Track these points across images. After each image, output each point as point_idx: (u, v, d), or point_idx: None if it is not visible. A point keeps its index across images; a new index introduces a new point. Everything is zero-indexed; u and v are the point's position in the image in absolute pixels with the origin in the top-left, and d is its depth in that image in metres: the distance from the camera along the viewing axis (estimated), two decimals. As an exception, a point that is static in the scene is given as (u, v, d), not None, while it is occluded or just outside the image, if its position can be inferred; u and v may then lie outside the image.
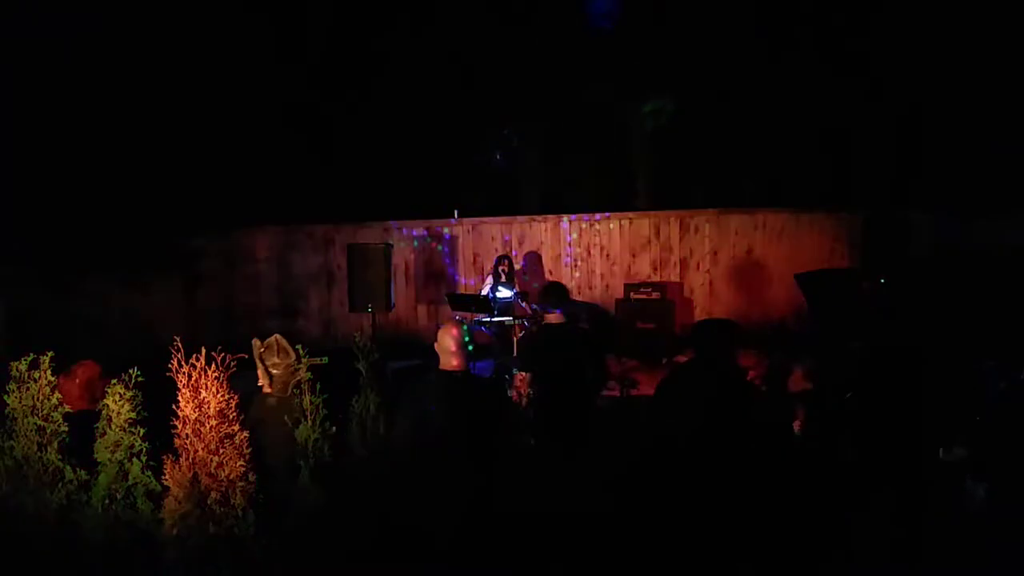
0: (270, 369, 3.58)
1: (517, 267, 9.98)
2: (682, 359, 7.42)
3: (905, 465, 3.43)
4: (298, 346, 3.57)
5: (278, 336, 3.64)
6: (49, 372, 3.17)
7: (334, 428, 3.02)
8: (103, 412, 3.12)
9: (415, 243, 10.64)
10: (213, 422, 2.94)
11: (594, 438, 4.53)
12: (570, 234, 10.41)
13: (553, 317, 4.88)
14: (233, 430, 2.97)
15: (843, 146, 12.26)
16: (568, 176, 13.54)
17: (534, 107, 12.87)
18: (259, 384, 3.62)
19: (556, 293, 4.98)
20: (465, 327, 3.63)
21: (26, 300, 9.00)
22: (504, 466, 3.19)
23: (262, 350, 3.59)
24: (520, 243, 10.47)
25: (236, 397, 3.03)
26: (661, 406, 3.74)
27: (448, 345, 3.58)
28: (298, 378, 3.54)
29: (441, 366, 3.59)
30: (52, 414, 3.13)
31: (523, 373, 4.82)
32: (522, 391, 4.80)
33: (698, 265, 10.16)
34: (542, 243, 10.46)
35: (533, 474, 3.05)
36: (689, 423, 3.52)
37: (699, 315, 10.06)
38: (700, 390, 3.62)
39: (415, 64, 12.28)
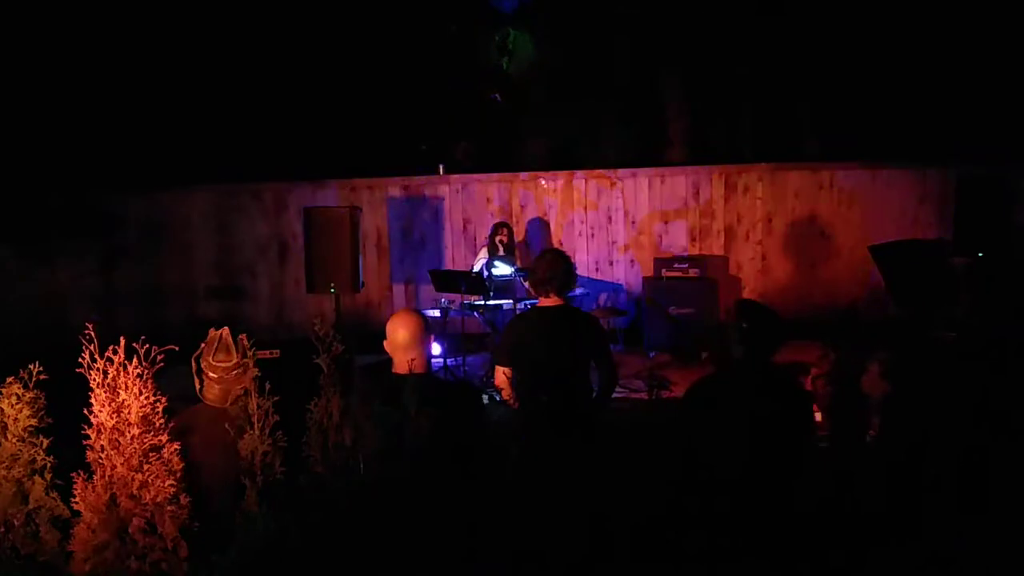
0: (207, 372, 3.54)
1: (519, 237, 9.97)
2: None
3: (1005, 485, 3.43)
4: (242, 335, 3.55)
5: (226, 331, 3.61)
6: (-74, 368, 3.17)
7: (287, 439, 3.02)
8: (-4, 418, 3.12)
9: (390, 206, 10.61)
10: (135, 431, 2.92)
11: (605, 454, 4.51)
12: (586, 195, 10.38)
13: (549, 299, 4.82)
14: (160, 441, 2.96)
15: (931, 84, 12.19)
16: (585, 121, 13.45)
17: (541, 32, 12.78)
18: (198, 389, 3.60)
19: (555, 268, 4.82)
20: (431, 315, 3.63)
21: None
22: (484, 495, 3.20)
23: (202, 347, 3.57)
24: (523, 206, 10.45)
25: (164, 400, 3.02)
26: (695, 426, 3.72)
27: (401, 338, 3.57)
28: (242, 385, 3.52)
29: (395, 368, 3.58)
30: (-71, 421, 3.13)
31: (503, 369, 4.78)
32: (503, 391, 4.76)
33: (747, 234, 10.15)
34: (550, 206, 10.44)
35: (516, 505, 3.05)
36: (737, 451, 3.50)
37: (749, 296, 10.06)
38: (752, 404, 3.59)
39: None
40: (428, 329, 3.67)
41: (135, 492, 2.90)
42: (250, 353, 3.51)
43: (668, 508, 3.31)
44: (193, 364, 3.54)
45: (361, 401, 2.94)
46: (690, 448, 3.69)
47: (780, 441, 3.54)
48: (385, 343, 3.65)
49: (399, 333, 3.60)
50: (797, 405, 3.70)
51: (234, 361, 3.51)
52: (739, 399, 3.67)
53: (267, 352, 3.53)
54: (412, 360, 3.59)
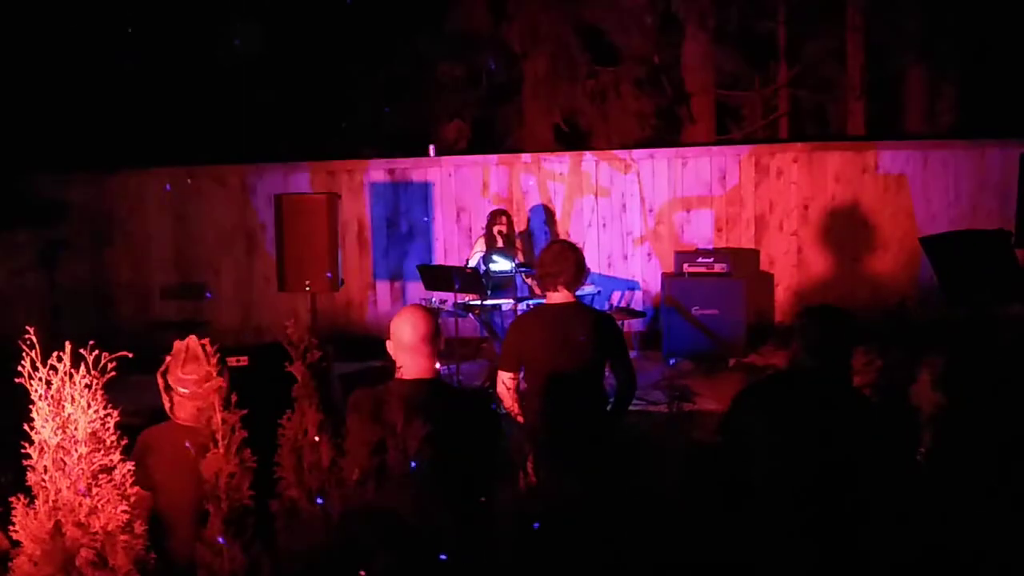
0: (176, 388, 3.53)
1: (520, 227, 9.97)
2: (766, 360, 7.41)
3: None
4: (203, 340, 3.55)
5: (192, 340, 3.60)
6: None
7: (256, 458, 3.02)
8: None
9: (372, 193, 10.61)
10: (83, 450, 2.92)
11: (622, 474, 4.53)
12: (596, 179, 10.38)
13: (558, 295, 4.84)
14: (111, 461, 2.95)
15: (988, 50, 12.19)
16: (595, 94, 13.47)
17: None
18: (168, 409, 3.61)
19: (563, 259, 4.86)
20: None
21: None
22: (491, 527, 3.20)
23: (168, 360, 3.56)
24: (524, 192, 10.45)
25: (116, 414, 3.02)
26: (742, 438, 3.67)
27: (408, 338, 3.56)
28: (211, 399, 3.51)
29: (399, 373, 3.57)
30: None
31: (508, 374, 4.79)
32: (504, 401, 4.78)
33: (781, 224, 10.15)
34: (555, 192, 10.44)
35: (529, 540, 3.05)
36: (799, 467, 3.46)
37: (783, 295, 10.07)
38: (814, 418, 3.54)
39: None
40: (439, 329, 3.66)
41: (83, 519, 2.90)
42: (214, 360, 3.51)
43: (702, 540, 3.31)
44: (160, 381, 3.54)
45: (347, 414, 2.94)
46: (736, 467, 3.64)
47: (853, 465, 3.47)
48: (388, 344, 3.63)
49: (406, 333, 3.58)
50: (875, 424, 3.63)
51: (206, 371, 3.50)
52: (803, 413, 3.57)
53: (233, 359, 3.54)
54: (419, 364, 3.57)
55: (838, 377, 3.62)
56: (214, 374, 3.49)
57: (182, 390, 3.52)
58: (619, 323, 5.08)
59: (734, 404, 3.75)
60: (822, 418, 3.49)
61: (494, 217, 9.00)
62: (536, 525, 3.04)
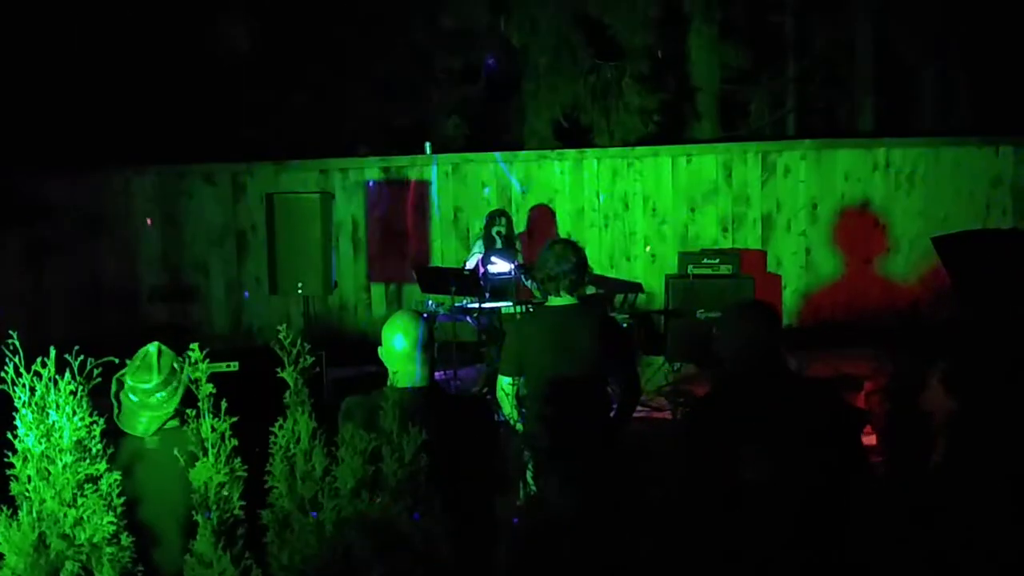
0: (128, 395, 3.49)
1: (520, 228, 9.97)
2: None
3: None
4: (193, 346, 3.54)
5: (152, 347, 3.55)
6: None
7: (247, 467, 3.01)
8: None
9: (367, 192, 10.61)
10: (68, 458, 2.91)
11: (625, 482, 4.53)
12: (598, 177, 10.38)
13: (559, 297, 4.84)
14: (98, 470, 2.95)
15: (1004, 46, 12.20)
16: (597, 90, 13.45)
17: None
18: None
19: (565, 260, 4.85)
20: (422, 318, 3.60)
21: None
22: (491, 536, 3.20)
23: (137, 365, 3.52)
24: (524, 191, 10.44)
25: (102, 422, 3.02)
26: (705, 448, 3.69)
27: (400, 345, 3.55)
28: (165, 412, 3.47)
29: (392, 380, 3.57)
30: None
31: (507, 379, 4.80)
32: (503, 408, 4.79)
33: (789, 224, 10.14)
34: (556, 191, 10.44)
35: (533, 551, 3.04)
36: (756, 483, 3.47)
37: (791, 297, 10.08)
38: (767, 424, 3.56)
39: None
40: (432, 335, 3.64)
41: (68, 531, 2.90)
42: (178, 369, 3.47)
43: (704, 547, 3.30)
44: (113, 384, 3.50)
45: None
46: (701, 481, 3.66)
47: (806, 468, 3.50)
48: (380, 351, 3.63)
49: (398, 339, 3.57)
50: (825, 420, 3.65)
51: (155, 383, 3.46)
52: (748, 419, 3.61)
53: (223, 365, 3.52)
54: (413, 372, 3.56)
55: (779, 373, 3.65)
56: (176, 386, 3.47)
57: (132, 398, 3.49)
58: (623, 326, 5.09)
59: (695, 413, 3.80)
60: (777, 418, 3.53)
61: (493, 217, 8.99)
62: (536, 536, 3.04)
